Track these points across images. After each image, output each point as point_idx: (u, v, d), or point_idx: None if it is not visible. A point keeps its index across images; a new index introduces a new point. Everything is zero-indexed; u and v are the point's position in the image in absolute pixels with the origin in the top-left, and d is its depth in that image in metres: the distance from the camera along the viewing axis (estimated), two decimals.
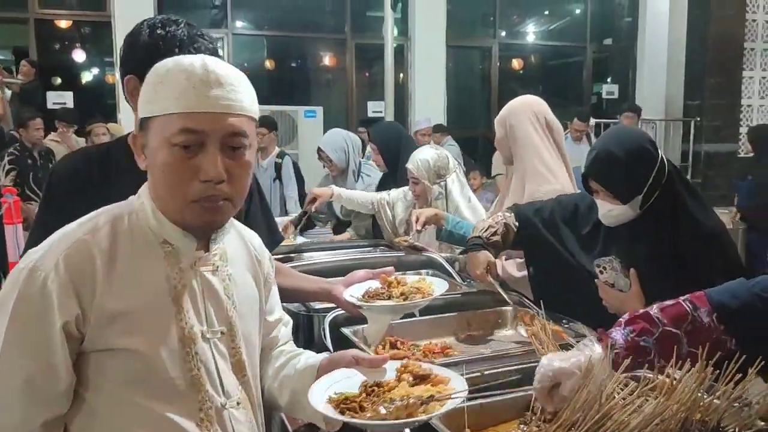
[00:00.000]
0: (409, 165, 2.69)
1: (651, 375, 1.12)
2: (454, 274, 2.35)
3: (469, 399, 1.25)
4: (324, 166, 3.64)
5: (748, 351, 1.15)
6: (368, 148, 3.97)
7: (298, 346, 1.35)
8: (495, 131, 2.31)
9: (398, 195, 2.97)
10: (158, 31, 1.31)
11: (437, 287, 1.50)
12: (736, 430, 1.11)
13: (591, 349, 1.17)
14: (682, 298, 1.26)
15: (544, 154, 2.18)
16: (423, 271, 2.43)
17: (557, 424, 1.04)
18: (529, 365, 1.39)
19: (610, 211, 1.69)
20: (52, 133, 5.71)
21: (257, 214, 1.61)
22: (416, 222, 2.39)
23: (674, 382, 1.05)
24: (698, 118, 7.76)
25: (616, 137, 1.71)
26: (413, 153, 2.72)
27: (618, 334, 1.20)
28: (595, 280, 1.77)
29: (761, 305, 1.21)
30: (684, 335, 1.20)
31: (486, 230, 1.96)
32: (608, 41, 9.27)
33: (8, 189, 4.61)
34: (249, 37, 8.20)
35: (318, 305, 1.86)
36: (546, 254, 1.92)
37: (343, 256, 2.60)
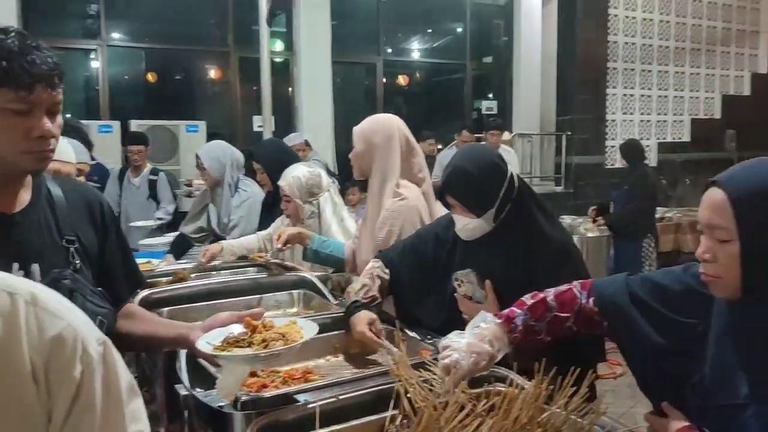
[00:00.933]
0: (282, 183, 2.63)
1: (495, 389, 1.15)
2: (327, 293, 2.33)
3: (321, 426, 1.24)
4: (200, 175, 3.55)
5: (613, 333, 1.38)
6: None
7: (141, 381, 1.28)
8: (354, 143, 2.29)
9: (279, 225, 2.90)
10: None
11: (306, 331, 1.40)
12: None
13: (490, 331, 1.36)
14: (574, 284, 1.46)
15: (404, 173, 2.22)
16: (295, 291, 2.40)
17: None
18: (386, 387, 1.39)
19: (466, 225, 1.75)
20: None
21: (114, 255, 1.45)
22: (277, 240, 2.35)
23: (510, 401, 1.07)
24: (569, 132, 8.26)
25: (468, 155, 1.80)
26: (286, 170, 2.67)
27: (519, 318, 1.41)
28: (455, 294, 1.81)
29: (627, 297, 1.35)
30: (572, 316, 1.41)
31: (361, 290, 1.92)
32: (488, 59, 9.69)
33: None
34: (127, 49, 7.81)
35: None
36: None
37: (209, 280, 2.49)
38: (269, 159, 3.26)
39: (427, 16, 9.62)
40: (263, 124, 5.21)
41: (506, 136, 7.30)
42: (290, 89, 8.01)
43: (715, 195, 1.11)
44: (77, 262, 1.31)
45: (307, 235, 2.38)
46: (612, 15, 8.36)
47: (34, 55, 1.17)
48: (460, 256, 1.82)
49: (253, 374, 1.56)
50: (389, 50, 9.09)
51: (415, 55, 9.69)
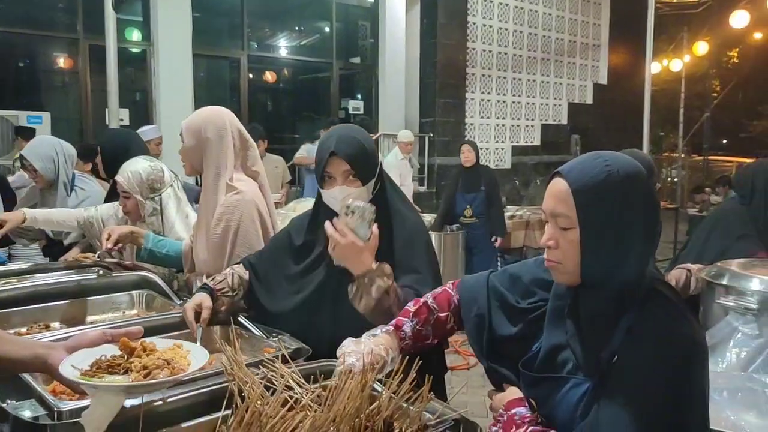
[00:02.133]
0: (119, 178, 2.43)
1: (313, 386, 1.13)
2: (170, 293, 2.21)
3: (147, 429, 1.16)
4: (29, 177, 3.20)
5: (465, 319, 1.46)
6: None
7: None
8: (182, 138, 2.17)
9: (109, 211, 2.70)
10: None
11: (195, 359, 1.19)
12: (405, 428, 1.18)
13: (384, 339, 1.38)
14: (447, 284, 1.54)
15: (244, 166, 2.17)
16: (135, 292, 2.26)
17: None
18: (217, 387, 1.33)
19: (350, 194, 1.66)
20: None
21: None
22: (107, 240, 2.19)
23: (333, 392, 1.06)
24: (431, 134, 8.55)
25: (350, 127, 1.80)
26: (123, 165, 2.48)
27: (407, 326, 1.43)
28: (334, 220, 1.63)
29: (485, 289, 1.45)
30: (451, 316, 1.48)
31: (218, 282, 1.85)
32: (356, 59, 9.79)
33: None
34: None
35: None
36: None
37: (34, 281, 2.26)
38: (109, 148, 2.98)
39: (293, 13, 9.54)
40: (110, 116, 4.86)
41: (403, 136, 7.11)
42: (147, 81, 7.59)
43: (558, 185, 1.18)
44: None
45: (140, 234, 2.24)
46: (471, 23, 8.77)
47: None
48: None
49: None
50: (255, 45, 8.90)
51: (283, 52, 9.57)
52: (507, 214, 6.64)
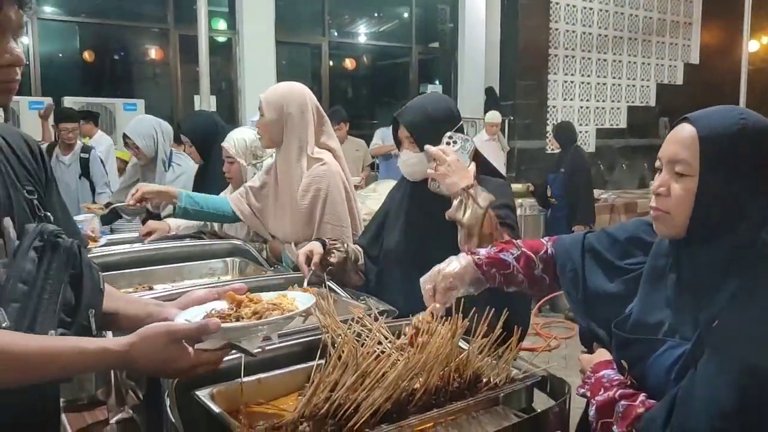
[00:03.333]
0: (225, 144, 2.62)
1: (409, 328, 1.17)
2: (262, 261, 2.31)
3: (246, 375, 1.23)
4: (132, 155, 3.41)
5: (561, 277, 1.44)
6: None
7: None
8: (263, 111, 2.27)
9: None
10: None
11: (300, 302, 1.21)
12: (492, 378, 1.19)
13: (458, 259, 1.41)
14: (543, 239, 1.53)
15: (318, 141, 2.26)
16: (229, 259, 2.37)
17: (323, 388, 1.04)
18: (311, 338, 1.39)
19: (408, 159, 1.82)
20: None
21: (57, 212, 1.19)
22: (132, 195, 2.33)
23: (428, 336, 1.09)
24: (512, 117, 8.41)
25: (428, 95, 1.95)
26: (231, 132, 2.66)
27: (482, 250, 1.46)
28: (440, 147, 1.71)
29: (580, 246, 1.43)
30: (539, 262, 1.46)
31: (331, 239, 1.96)
32: (435, 44, 9.75)
33: None
34: (60, 23, 7.50)
35: None
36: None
37: (135, 248, 2.42)
38: (196, 131, 3.17)
39: (373, 0, 9.61)
40: (201, 104, 5.08)
41: (489, 117, 7.10)
42: (232, 69, 7.86)
43: (684, 131, 1.13)
44: (43, 214, 1.12)
45: (174, 194, 2.37)
46: (554, 3, 8.54)
47: None
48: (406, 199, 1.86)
49: None
50: (335, 33, 9.04)
51: (362, 39, 9.66)
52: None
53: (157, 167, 3.32)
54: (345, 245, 1.95)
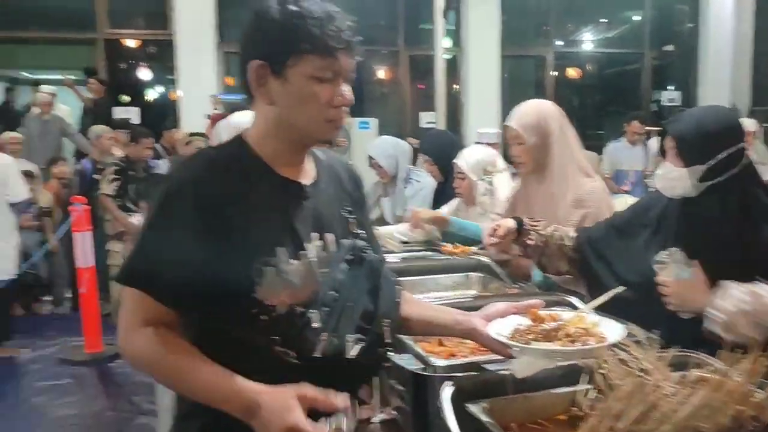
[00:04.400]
0: (457, 160, 2.73)
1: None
2: (504, 277, 2.33)
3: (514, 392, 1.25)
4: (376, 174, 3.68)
5: None
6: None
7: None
8: (522, 138, 2.20)
9: (453, 208, 2.96)
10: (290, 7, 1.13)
11: (608, 332, 1.23)
12: None
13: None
14: None
15: (580, 157, 2.19)
16: (473, 274, 2.42)
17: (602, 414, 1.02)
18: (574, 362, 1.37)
19: (669, 172, 1.65)
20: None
21: (369, 230, 1.35)
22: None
23: (723, 375, 1.01)
24: (766, 125, 7.43)
25: (709, 106, 1.78)
26: (463, 150, 2.76)
27: None
28: (656, 279, 1.66)
29: None
30: None
31: (533, 224, 1.91)
32: (669, 47, 9.03)
33: (77, 198, 4.84)
34: None
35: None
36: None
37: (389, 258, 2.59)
38: (438, 150, 3.33)
39: (600, 6, 9.19)
40: (436, 120, 5.30)
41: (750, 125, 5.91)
42: (455, 86, 8.05)
43: None
44: (358, 232, 1.26)
45: (446, 221, 2.52)
46: None
47: (338, 21, 1.13)
48: (663, 234, 1.73)
49: (440, 343, 1.61)
50: (559, 42, 8.81)
51: (587, 47, 9.29)
52: None
53: (398, 184, 3.53)
54: (550, 228, 1.88)
